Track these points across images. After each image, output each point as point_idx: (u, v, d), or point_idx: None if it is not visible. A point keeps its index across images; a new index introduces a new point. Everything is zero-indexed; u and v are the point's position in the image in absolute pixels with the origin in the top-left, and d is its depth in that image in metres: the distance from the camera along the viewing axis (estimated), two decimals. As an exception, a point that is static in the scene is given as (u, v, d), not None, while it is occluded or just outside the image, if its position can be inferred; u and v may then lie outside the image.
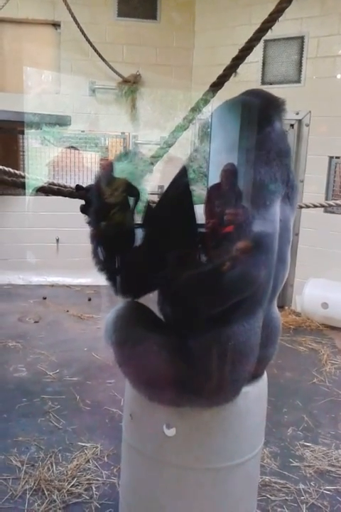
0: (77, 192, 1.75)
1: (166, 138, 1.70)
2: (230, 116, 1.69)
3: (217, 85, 1.35)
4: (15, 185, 1.69)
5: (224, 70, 1.39)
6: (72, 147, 5.74)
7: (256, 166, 1.59)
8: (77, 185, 1.76)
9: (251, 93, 1.75)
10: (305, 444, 2.99)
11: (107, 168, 1.83)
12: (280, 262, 1.65)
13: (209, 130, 1.89)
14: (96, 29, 5.65)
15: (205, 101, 1.63)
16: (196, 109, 1.61)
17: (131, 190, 1.72)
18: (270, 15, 1.28)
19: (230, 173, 1.63)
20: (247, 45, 1.32)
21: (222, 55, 5.50)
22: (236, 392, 1.62)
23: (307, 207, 2.82)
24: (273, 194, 1.61)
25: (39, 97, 5.63)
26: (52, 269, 5.91)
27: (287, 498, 2.52)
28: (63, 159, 5.84)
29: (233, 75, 1.43)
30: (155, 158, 1.74)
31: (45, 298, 5.55)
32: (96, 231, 1.65)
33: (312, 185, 5.18)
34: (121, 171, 1.79)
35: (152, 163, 1.78)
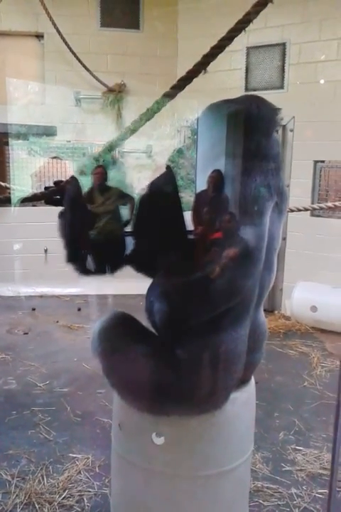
0: (57, 187, 1.73)
1: (113, 141, 1.69)
2: (232, 122, 1.64)
3: (186, 80, 1.33)
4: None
5: (194, 66, 1.37)
6: (56, 157, 5.73)
7: (252, 174, 1.59)
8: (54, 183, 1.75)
9: (252, 99, 1.70)
10: (297, 448, 2.99)
11: (100, 176, 1.84)
12: (267, 269, 1.65)
13: (195, 136, 1.89)
14: (80, 39, 5.67)
15: (160, 104, 1.63)
16: (150, 112, 1.60)
17: (124, 199, 1.72)
18: (244, 15, 1.27)
19: (217, 179, 1.62)
20: (219, 43, 1.31)
21: (206, 62, 5.55)
22: (225, 399, 1.62)
23: (292, 211, 2.85)
24: (266, 202, 1.61)
25: (25, 108, 5.62)
26: (41, 280, 5.87)
27: (279, 502, 2.52)
28: (49, 169, 5.83)
29: (203, 72, 1.41)
30: (102, 156, 1.77)
31: (34, 309, 5.52)
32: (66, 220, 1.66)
33: (298, 189, 5.23)
34: (110, 178, 1.80)
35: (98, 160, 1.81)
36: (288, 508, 2.48)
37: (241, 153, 1.62)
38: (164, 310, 1.66)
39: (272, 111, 1.70)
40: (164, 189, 1.62)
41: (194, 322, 1.57)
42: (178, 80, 1.36)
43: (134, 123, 1.59)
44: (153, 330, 1.74)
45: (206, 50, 5.42)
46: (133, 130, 1.56)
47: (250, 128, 1.62)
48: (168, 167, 1.68)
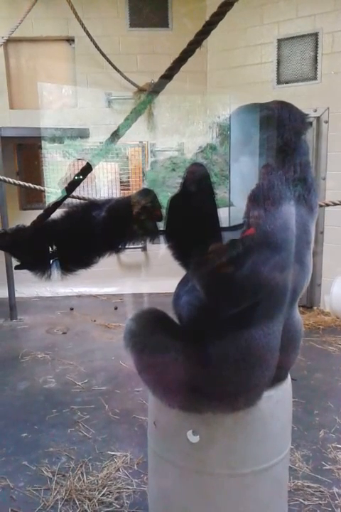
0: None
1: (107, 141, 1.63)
2: (265, 120, 1.70)
3: (181, 61, 1.26)
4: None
5: (188, 45, 1.28)
6: (81, 159, 5.77)
7: (280, 168, 1.61)
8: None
9: (283, 102, 1.79)
10: (338, 446, 2.92)
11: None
12: (299, 264, 1.62)
13: (228, 131, 1.89)
14: (110, 41, 5.73)
15: (146, 102, 1.60)
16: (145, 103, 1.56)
17: (154, 207, 1.68)
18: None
19: (269, 172, 1.62)
20: (211, 18, 1.22)
21: (235, 57, 5.49)
22: (258, 397, 1.60)
23: (328, 205, 2.78)
24: (290, 194, 1.61)
25: (58, 112, 5.73)
26: (78, 280, 5.93)
27: (320, 502, 2.47)
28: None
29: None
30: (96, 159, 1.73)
31: (72, 309, 5.63)
32: None
33: (334, 182, 5.10)
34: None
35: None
36: (329, 508, 2.43)
37: (273, 148, 1.66)
38: (191, 303, 1.66)
39: (302, 114, 1.78)
40: (197, 186, 1.63)
41: (220, 316, 1.55)
42: (173, 62, 1.30)
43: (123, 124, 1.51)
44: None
45: (235, 44, 5.36)
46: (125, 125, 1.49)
47: (282, 125, 1.68)
48: (200, 164, 1.69)
